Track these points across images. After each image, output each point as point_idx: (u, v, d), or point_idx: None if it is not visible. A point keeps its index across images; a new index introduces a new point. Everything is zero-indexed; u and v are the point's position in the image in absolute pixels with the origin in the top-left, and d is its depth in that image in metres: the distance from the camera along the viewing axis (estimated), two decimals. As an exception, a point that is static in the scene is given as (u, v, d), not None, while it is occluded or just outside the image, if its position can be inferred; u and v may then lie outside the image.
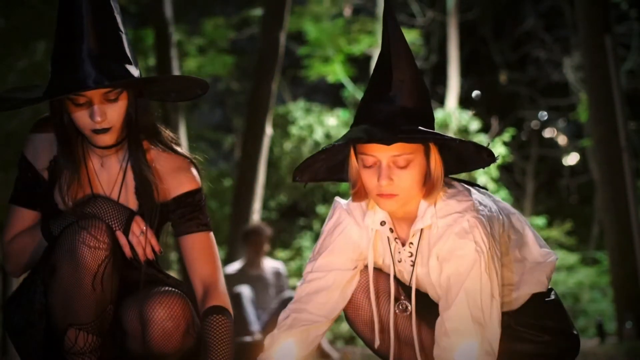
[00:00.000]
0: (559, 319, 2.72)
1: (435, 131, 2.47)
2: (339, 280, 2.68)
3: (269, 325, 6.75)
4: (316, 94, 17.86)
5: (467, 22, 16.38)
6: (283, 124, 14.13)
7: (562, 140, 19.04)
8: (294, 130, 14.03)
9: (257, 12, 14.69)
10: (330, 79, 15.24)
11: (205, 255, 2.71)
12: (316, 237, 15.46)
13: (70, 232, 2.51)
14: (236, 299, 6.84)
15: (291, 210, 14.72)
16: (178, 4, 12.27)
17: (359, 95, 15.56)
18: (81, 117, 2.53)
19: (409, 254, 2.62)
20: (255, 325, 6.88)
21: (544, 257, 2.71)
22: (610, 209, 9.04)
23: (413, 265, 2.62)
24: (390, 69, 2.46)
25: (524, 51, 17.71)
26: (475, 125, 13.79)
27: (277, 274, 7.31)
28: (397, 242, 2.64)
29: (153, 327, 2.54)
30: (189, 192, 2.72)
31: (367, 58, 15.11)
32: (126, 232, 2.60)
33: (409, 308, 2.67)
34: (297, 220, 14.65)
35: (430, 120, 2.48)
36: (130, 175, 2.67)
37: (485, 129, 14.73)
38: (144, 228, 2.61)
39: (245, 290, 7.01)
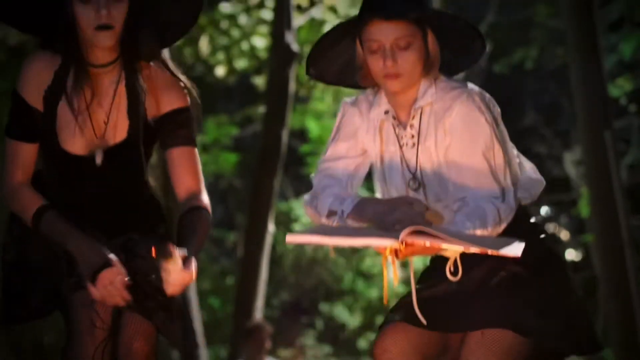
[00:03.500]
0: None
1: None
2: (348, 168, 2.85)
3: None
4: (318, 191, 17.87)
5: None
6: (285, 221, 14.15)
7: (564, 235, 19.03)
8: (296, 227, 14.04)
9: (260, 109, 14.83)
10: (332, 175, 15.28)
11: (190, 168, 2.84)
12: (319, 335, 15.35)
13: (78, 309, 2.69)
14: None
15: (294, 308, 14.64)
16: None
17: (361, 192, 15.60)
18: (86, 13, 2.64)
19: (411, 136, 2.76)
20: None
21: (536, 173, 2.82)
22: (613, 304, 8.98)
23: (415, 145, 2.76)
24: None
25: (525, 146, 17.82)
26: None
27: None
28: (400, 128, 2.78)
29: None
30: (179, 109, 2.80)
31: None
32: (94, 280, 2.66)
33: (420, 184, 2.78)
34: (299, 318, 14.56)
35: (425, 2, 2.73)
36: (123, 96, 2.76)
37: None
38: (114, 279, 2.65)
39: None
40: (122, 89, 2.76)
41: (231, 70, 11.31)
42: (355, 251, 14.52)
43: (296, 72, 10.10)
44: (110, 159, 2.77)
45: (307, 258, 14.26)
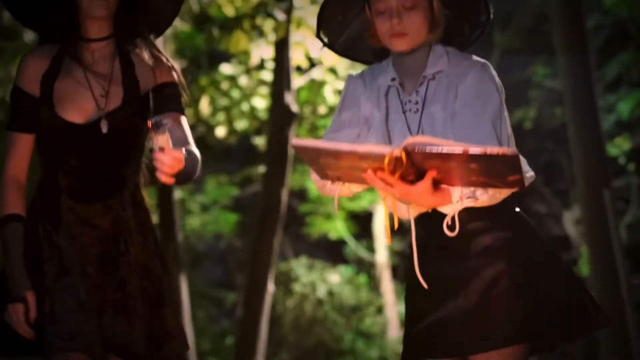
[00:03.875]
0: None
1: None
2: (350, 137, 2.86)
3: None
4: (318, 251, 17.87)
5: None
6: (285, 281, 14.11)
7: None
8: (296, 287, 14.01)
9: (260, 169, 14.87)
10: (333, 235, 15.30)
11: (181, 130, 2.98)
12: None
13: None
14: None
15: (294, 368, 14.55)
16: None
17: (361, 252, 15.59)
18: None
19: (415, 102, 2.81)
20: None
21: (526, 166, 2.81)
22: (616, 363, 8.96)
23: (419, 111, 2.81)
24: None
25: (525, 206, 17.80)
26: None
27: None
28: (405, 94, 2.83)
29: None
30: (168, 82, 3.02)
31: (369, 215, 15.21)
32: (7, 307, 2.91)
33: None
34: (300, 378, 14.47)
35: None
36: (118, 69, 2.98)
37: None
38: (19, 316, 2.86)
39: None
40: (117, 64, 2.98)
41: (231, 130, 11.37)
42: (355, 310, 14.47)
43: (296, 133, 10.16)
44: (109, 126, 2.94)
45: (307, 318, 14.20)
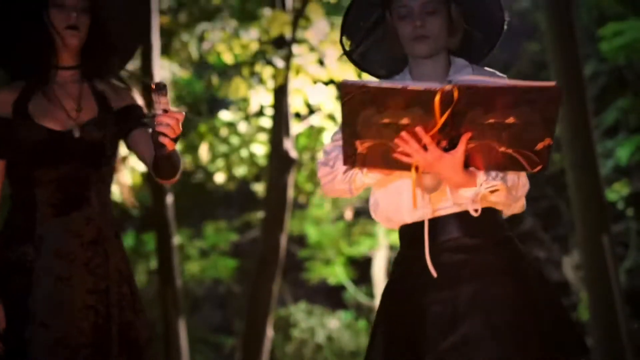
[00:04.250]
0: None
1: None
2: None
3: None
4: (317, 296, 17.85)
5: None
6: (284, 326, 14.07)
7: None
8: (295, 332, 13.97)
9: (259, 215, 14.89)
10: (332, 281, 15.28)
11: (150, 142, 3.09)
12: None
13: None
14: None
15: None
16: (180, 208, 12.46)
17: (360, 297, 15.57)
18: (60, 16, 3.19)
19: None
20: None
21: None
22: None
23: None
24: None
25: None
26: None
27: None
28: None
29: None
30: (132, 104, 3.30)
31: (368, 260, 15.20)
32: None
33: None
34: None
35: None
36: (87, 91, 3.26)
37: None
38: None
39: None
40: (85, 87, 3.27)
41: (231, 177, 11.40)
42: (354, 356, 14.41)
43: (295, 179, 10.18)
44: (83, 136, 3.18)
45: (307, 364, 14.15)
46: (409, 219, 2.86)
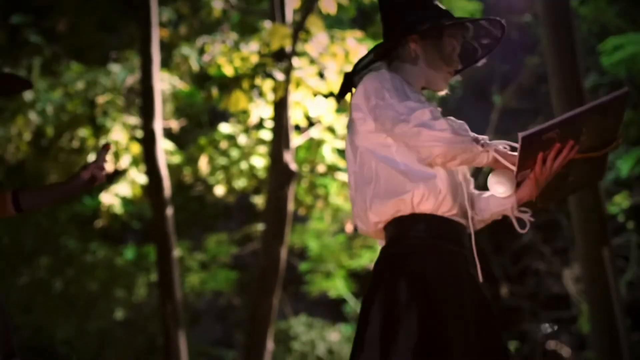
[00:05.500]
0: None
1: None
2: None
3: None
4: (318, 309, 17.84)
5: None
6: (285, 339, 14.05)
7: (566, 352, 18.86)
8: (296, 345, 13.94)
9: (259, 227, 14.88)
10: (332, 294, 15.26)
11: None
12: None
13: None
14: None
15: None
16: (180, 221, 12.45)
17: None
18: None
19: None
20: None
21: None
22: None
23: None
24: None
25: (524, 264, 17.80)
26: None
27: None
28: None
29: None
30: None
31: (368, 273, 15.17)
32: None
33: None
34: None
35: None
36: None
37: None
38: None
39: None
40: None
41: (230, 189, 11.39)
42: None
43: (295, 192, 10.18)
44: None
45: (307, 377, 14.13)
46: (448, 212, 2.96)
